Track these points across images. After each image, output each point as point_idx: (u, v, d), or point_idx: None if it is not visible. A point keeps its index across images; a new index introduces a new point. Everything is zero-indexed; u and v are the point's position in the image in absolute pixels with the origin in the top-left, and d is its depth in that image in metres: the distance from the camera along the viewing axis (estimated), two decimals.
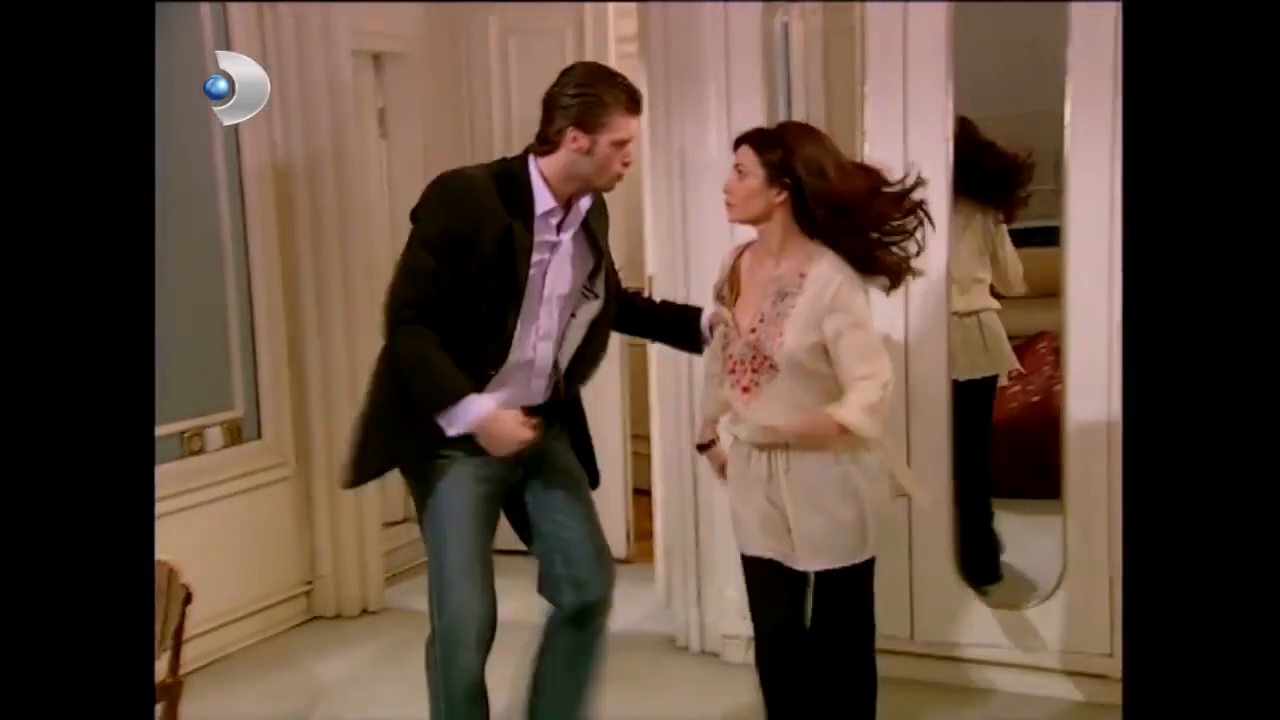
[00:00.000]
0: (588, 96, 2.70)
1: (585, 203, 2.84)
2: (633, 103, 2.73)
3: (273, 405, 4.43)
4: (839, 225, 2.69)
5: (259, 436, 4.41)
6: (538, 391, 2.87)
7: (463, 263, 2.68)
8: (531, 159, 2.78)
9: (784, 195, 2.70)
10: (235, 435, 4.33)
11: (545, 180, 2.75)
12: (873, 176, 2.76)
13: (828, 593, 2.85)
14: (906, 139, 3.48)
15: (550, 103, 2.75)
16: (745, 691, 3.79)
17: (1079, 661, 3.57)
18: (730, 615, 3.95)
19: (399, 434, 2.83)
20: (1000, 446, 4.49)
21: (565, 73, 2.78)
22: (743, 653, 3.94)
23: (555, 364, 2.88)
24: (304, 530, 4.56)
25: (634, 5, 4.25)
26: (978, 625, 3.68)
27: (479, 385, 2.73)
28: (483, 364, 2.75)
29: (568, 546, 2.93)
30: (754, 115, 3.59)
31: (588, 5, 4.85)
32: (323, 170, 4.40)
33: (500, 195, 2.72)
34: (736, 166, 2.76)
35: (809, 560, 2.80)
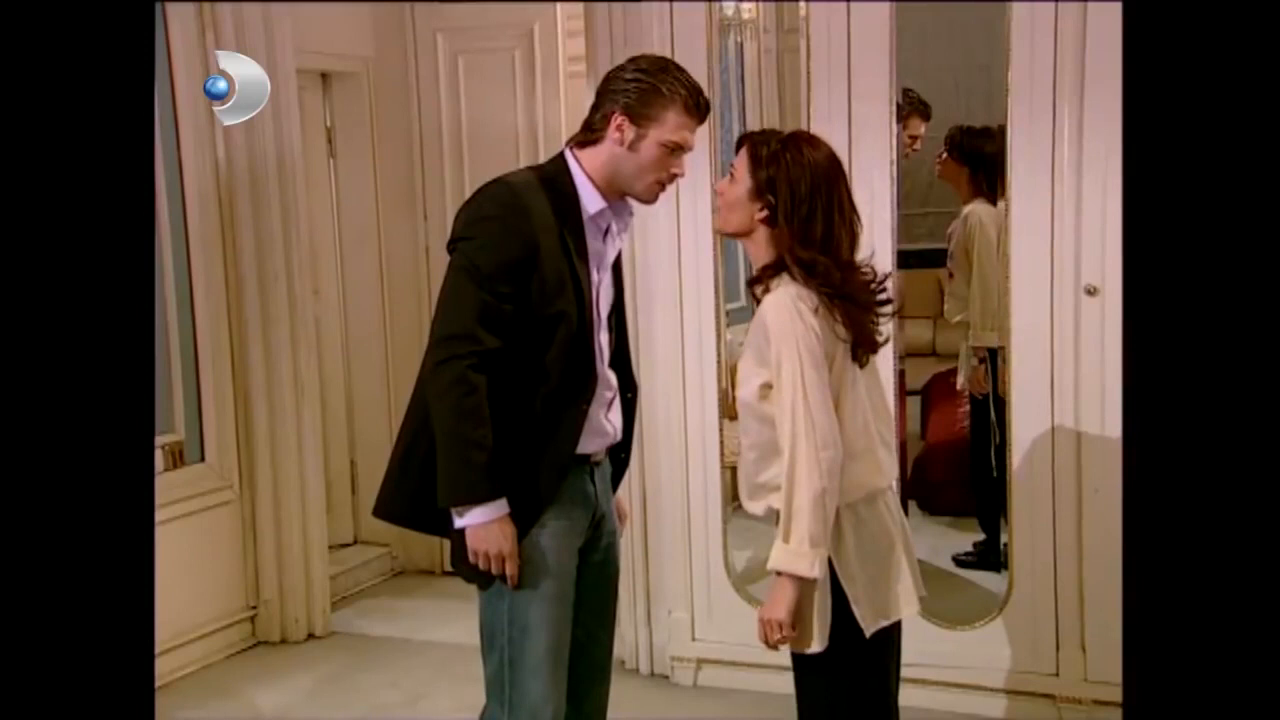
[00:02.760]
0: (644, 83, 2.37)
1: (629, 208, 2.51)
2: (694, 104, 2.39)
3: (215, 427, 4.35)
4: (811, 271, 2.31)
5: (201, 459, 4.34)
6: (615, 427, 2.55)
7: (524, 290, 2.33)
8: (570, 153, 2.44)
9: (766, 213, 2.34)
10: (177, 458, 4.25)
11: (589, 177, 2.41)
12: (854, 241, 2.38)
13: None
14: (852, 154, 3.47)
15: (603, 87, 2.43)
16: (694, 714, 3.77)
17: (1024, 681, 3.55)
18: (679, 637, 3.92)
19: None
20: (951, 464, 4.53)
21: (630, 59, 2.47)
22: (691, 675, 3.92)
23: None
24: (248, 554, 4.47)
25: (582, 26, 4.25)
26: (919, 644, 3.66)
27: (577, 421, 2.41)
28: (575, 397, 2.40)
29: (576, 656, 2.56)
30: (699, 134, 3.59)
31: (536, 26, 4.85)
32: (267, 190, 4.34)
33: (550, 200, 2.38)
34: (730, 167, 2.40)
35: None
